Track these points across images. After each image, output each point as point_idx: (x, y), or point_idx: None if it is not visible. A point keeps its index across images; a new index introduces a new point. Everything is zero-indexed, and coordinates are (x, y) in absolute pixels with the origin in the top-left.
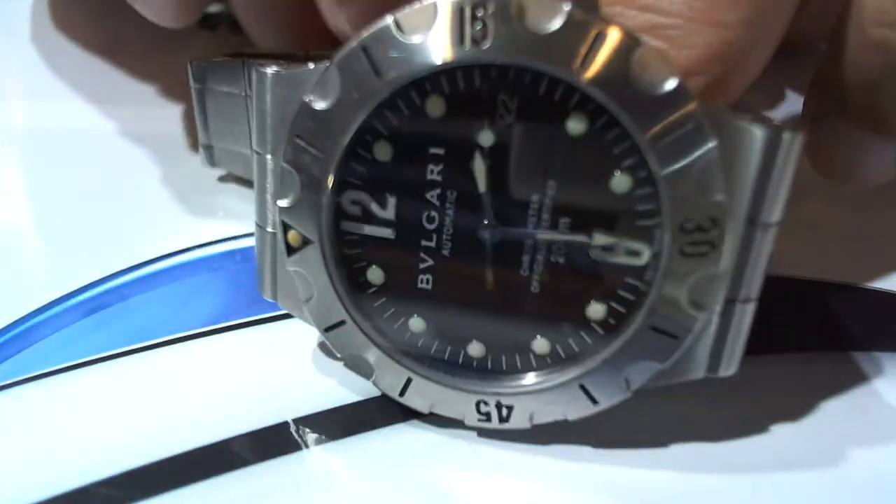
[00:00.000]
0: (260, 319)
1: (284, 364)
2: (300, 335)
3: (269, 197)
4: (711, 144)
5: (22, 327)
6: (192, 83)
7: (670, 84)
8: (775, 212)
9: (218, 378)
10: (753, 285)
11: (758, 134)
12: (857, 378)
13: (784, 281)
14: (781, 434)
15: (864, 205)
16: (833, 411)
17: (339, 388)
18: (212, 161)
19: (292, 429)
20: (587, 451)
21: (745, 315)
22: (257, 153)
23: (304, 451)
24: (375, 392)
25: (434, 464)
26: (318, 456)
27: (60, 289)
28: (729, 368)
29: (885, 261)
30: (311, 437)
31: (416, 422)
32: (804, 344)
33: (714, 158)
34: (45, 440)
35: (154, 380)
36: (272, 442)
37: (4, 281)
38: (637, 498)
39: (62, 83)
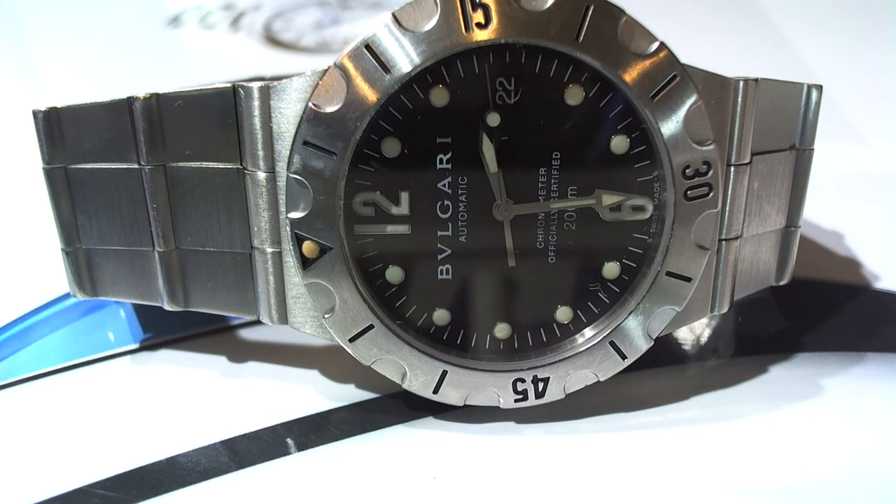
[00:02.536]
0: (249, 322)
1: (280, 367)
2: (295, 338)
3: (264, 214)
4: (696, 96)
5: (19, 327)
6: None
7: (654, 46)
8: (745, 153)
9: (215, 380)
10: (735, 223)
11: (730, 83)
12: (871, 379)
13: (795, 282)
14: (790, 431)
15: (872, 207)
16: (839, 410)
17: (334, 391)
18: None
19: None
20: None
21: (731, 252)
22: (245, 171)
23: (300, 453)
24: (366, 396)
25: (433, 463)
26: (312, 458)
27: (58, 289)
28: (723, 306)
29: (890, 263)
30: (305, 439)
31: (413, 422)
32: (814, 344)
33: (700, 107)
34: (41, 441)
35: (151, 381)
36: (268, 443)
37: (2, 281)
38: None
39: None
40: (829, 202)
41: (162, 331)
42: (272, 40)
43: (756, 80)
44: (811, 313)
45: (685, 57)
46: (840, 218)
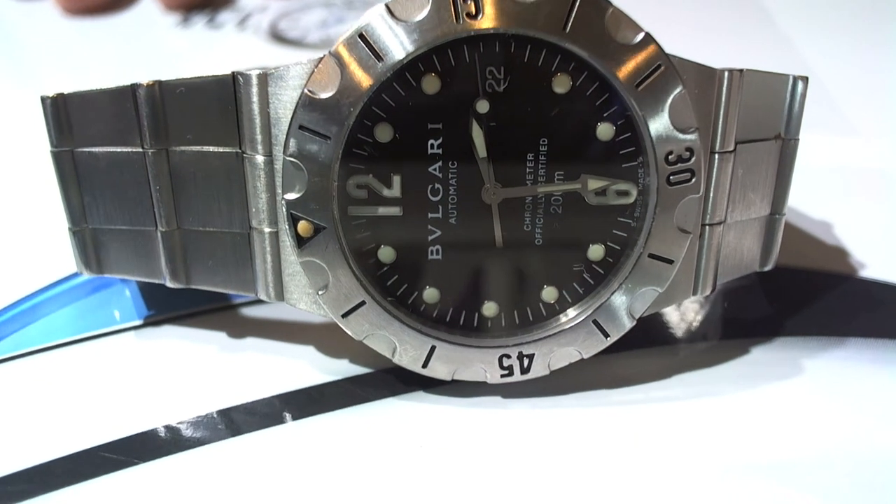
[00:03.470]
0: (250, 301)
1: (277, 343)
2: (292, 316)
3: (262, 196)
4: (680, 85)
5: (29, 303)
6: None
7: (639, 36)
8: (729, 141)
9: (215, 354)
10: (719, 209)
11: (714, 73)
12: (850, 362)
13: (783, 270)
14: (769, 410)
15: (861, 198)
16: (819, 391)
17: (329, 366)
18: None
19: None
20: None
21: (715, 237)
22: (244, 155)
23: (293, 422)
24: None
25: (421, 434)
26: (306, 428)
27: (67, 267)
28: (706, 289)
29: (877, 252)
30: (300, 410)
31: (404, 395)
32: (797, 329)
33: (684, 96)
34: (51, 408)
35: (151, 355)
36: (263, 414)
37: (13, 258)
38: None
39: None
40: (819, 193)
41: (165, 310)
42: (278, 38)
43: (741, 70)
44: (796, 300)
45: (684, 52)
46: (829, 209)
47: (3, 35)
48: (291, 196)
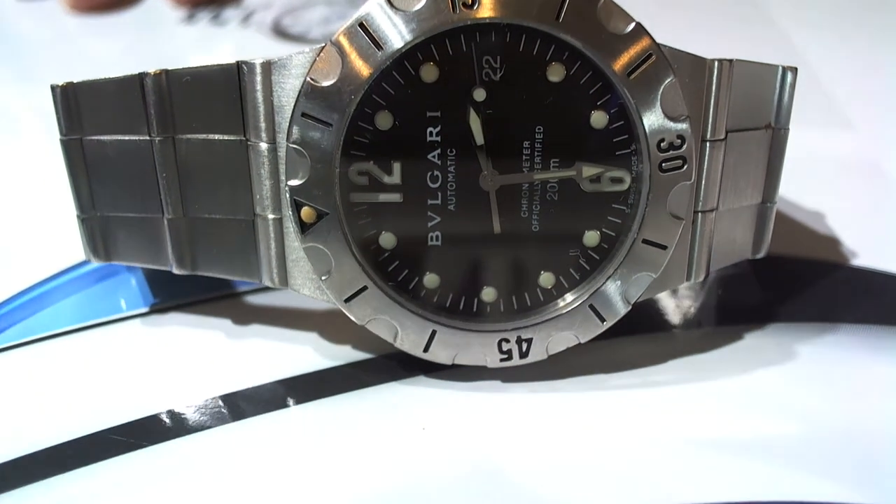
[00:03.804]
0: (254, 289)
1: (281, 329)
2: (296, 303)
3: (266, 183)
4: (671, 74)
5: (37, 291)
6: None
7: (630, 26)
8: (720, 130)
9: (220, 340)
10: (710, 196)
11: (705, 63)
12: (843, 348)
13: (776, 259)
14: (772, 398)
15: (853, 188)
16: (809, 375)
17: (332, 352)
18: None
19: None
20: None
21: (707, 223)
22: (248, 143)
23: (296, 407)
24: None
25: (423, 416)
26: (309, 411)
27: (75, 256)
28: (699, 275)
29: (869, 241)
30: (303, 395)
31: (406, 380)
32: (794, 316)
33: (675, 85)
34: (60, 392)
35: (157, 342)
36: (267, 399)
37: (21, 247)
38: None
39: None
40: (812, 183)
41: (170, 297)
42: (281, 34)
43: (731, 60)
44: (789, 288)
45: (680, 44)
46: (822, 199)
47: (10, 35)
48: (295, 182)
